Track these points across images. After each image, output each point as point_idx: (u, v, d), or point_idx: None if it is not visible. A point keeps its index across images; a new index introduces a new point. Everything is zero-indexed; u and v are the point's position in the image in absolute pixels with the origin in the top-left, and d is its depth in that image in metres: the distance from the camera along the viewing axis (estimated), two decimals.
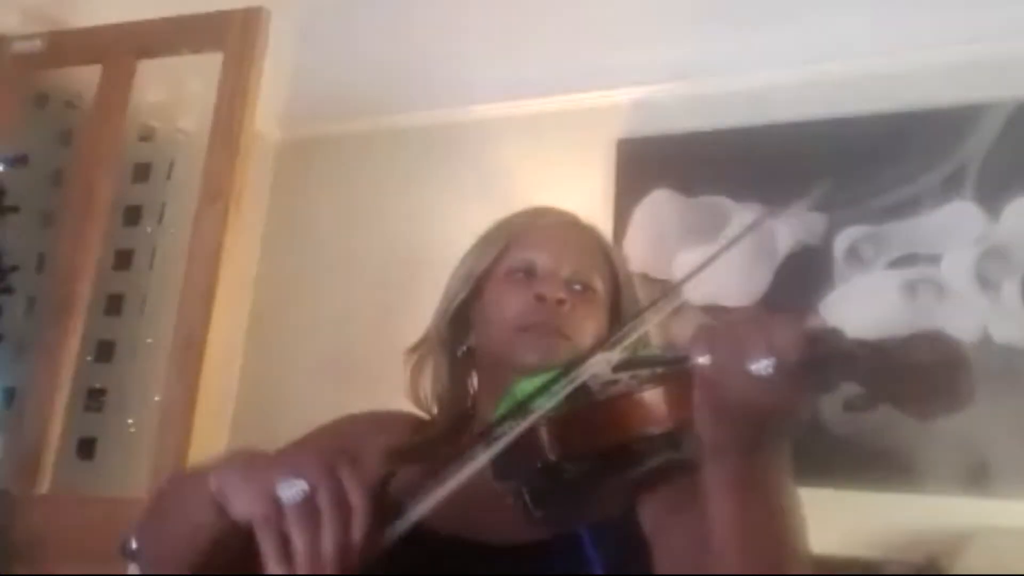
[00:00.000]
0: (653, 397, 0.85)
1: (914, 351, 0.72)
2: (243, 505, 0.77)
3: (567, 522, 0.96)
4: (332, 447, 1.08)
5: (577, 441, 0.85)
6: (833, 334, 0.74)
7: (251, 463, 0.81)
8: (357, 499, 0.76)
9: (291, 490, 0.75)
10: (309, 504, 0.75)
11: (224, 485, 0.80)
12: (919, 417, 0.73)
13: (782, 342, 0.72)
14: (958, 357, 0.72)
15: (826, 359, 0.73)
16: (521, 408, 0.86)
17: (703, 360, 0.75)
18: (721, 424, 0.77)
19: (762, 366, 0.72)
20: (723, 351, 0.75)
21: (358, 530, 0.75)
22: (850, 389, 0.74)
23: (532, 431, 0.84)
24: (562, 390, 0.85)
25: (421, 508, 0.81)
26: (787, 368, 0.72)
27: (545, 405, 0.85)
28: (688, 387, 0.78)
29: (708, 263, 0.90)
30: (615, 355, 0.90)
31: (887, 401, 0.72)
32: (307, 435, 1.17)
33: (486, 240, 1.18)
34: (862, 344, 0.74)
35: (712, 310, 2.45)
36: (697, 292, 2.48)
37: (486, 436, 0.85)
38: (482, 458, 0.83)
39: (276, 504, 0.75)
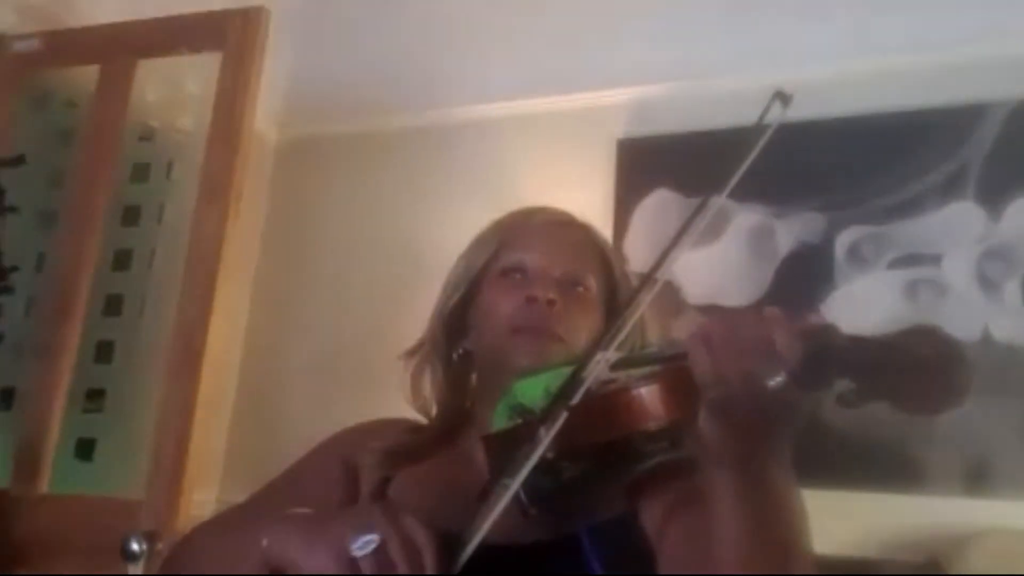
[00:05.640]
0: (650, 393, 0.85)
1: (908, 346, 0.71)
2: (317, 564, 0.80)
3: (565, 522, 0.95)
4: (335, 462, 1.09)
5: (575, 437, 0.85)
6: (826, 330, 0.74)
7: (312, 523, 0.84)
8: (423, 539, 0.81)
9: (363, 544, 0.79)
10: (382, 554, 0.79)
11: (285, 546, 0.83)
12: (914, 413, 0.72)
13: (786, 350, 0.72)
14: (952, 351, 0.71)
15: (821, 355, 0.72)
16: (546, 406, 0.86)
17: (706, 376, 0.76)
18: (732, 438, 0.78)
19: (776, 382, 0.73)
20: (728, 367, 0.75)
21: (430, 568, 0.80)
22: (843, 385, 0.74)
23: (530, 429, 0.84)
24: (568, 394, 0.85)
25: (478, 531, 0.83)
26: (792, 372, 0.72)
27: (556, 415, 0.84)
28: (685, 384, 0.79)
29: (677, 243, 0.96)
30: (612, 355, 0.89)
31: (882, 398, 0.72)
32: (308, 453, 1.16)
33: (479, 241, 1.17)
34: (856, 339, 0.74)
35: (712, 310, 2.44)
36: (697, 292, 2.48)
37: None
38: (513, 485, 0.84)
39: (352, 560, 0.79)
